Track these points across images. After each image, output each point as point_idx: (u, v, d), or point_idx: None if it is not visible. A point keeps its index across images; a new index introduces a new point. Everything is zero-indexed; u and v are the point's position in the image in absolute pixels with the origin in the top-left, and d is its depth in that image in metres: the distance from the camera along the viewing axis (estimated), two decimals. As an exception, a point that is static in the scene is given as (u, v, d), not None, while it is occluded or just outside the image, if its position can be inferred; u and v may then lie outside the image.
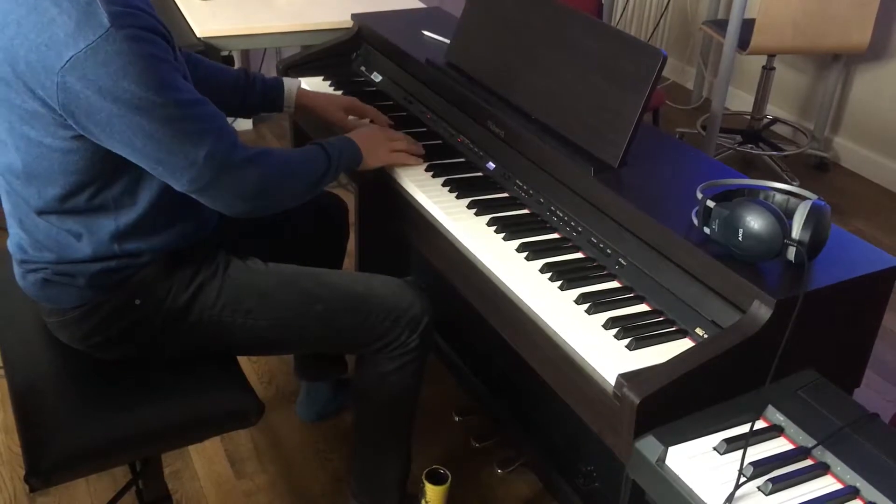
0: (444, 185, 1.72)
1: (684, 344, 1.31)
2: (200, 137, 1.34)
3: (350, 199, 2.17)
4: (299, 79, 1.99)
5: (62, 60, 1.23)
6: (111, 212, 1.41)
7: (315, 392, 2.19)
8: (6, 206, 1.47)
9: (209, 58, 2.41)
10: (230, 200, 1.43)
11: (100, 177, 1.38)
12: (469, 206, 1.65)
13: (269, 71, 3.63)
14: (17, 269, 1.51)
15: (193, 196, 1.41)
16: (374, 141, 1.75)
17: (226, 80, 1.82)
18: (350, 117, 1.94)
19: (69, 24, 1.22)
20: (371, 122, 1.99)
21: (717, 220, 1.30)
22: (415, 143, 1.82)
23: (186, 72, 1.43)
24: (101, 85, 1.24)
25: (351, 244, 2.16)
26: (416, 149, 1.81)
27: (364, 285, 1.64)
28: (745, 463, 1.08)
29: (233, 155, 1.40)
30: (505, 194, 1.71)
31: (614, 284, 1.45)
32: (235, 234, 1.69)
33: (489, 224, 1.60)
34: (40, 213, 1.41)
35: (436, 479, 1.83)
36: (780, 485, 1.06)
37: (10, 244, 1.51)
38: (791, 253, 1.26)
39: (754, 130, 3.76)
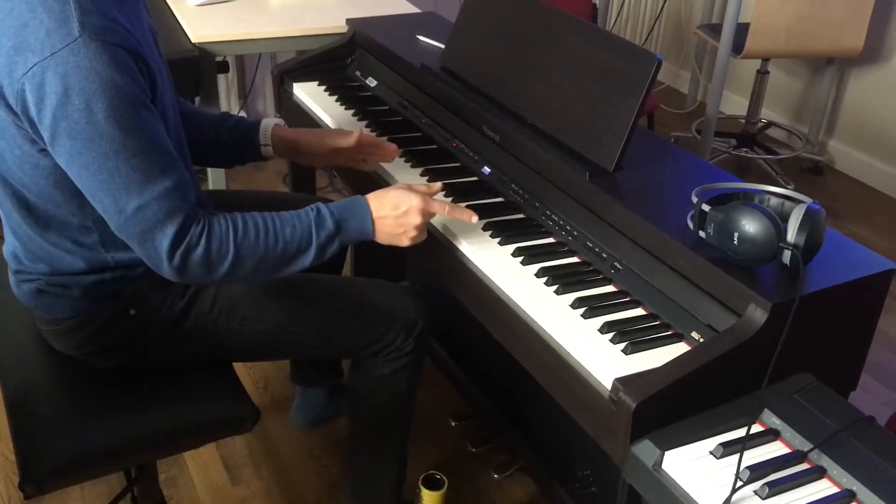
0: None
1: (680, 348, 1.31)
2: (138, 188, 1.24)
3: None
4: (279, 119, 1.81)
5: (26, 66, 1.18)
6: (93, 230, 1.39)
7: (310, 398, 2.18)
8: (2, 216, 1.46)
9: (204, 63, 2.43)
10: (157, 266, 1.32)
11: (75, 195, 1.33)
12: (464, 211, 1.65)
13: (265, 76, 3.63)
14: (11, 278, 1.50)
15: None
16: (398, 223, 1.44)
17: (202, 116, 1.72)
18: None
19: (40, 30, 1.18)
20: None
21: (712, 224, 1.30)
22: (464, 211, 1.51)
23: (170, 113, 1.36)
24: (54, 99, 1.18)
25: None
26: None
27: (359, 290, 1.64)
28: (742, 467, 1.08)
29: (169, 222, 1.27)
30: (500, 199, 1.71)
31: (610, 289, 1.45)
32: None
33: (484, 229, 1.60)
34: (26, 224, 1.39)
35: (432, 485, 1.83)
36: (776, 489, 1.06)
37: (6, 252, 1.49)
38: (786, 256, 1.26)
39: (749, 134, 3.77)
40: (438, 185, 1.56)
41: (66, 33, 1.17)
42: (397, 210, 1.44)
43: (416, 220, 1.44)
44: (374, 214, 1.43)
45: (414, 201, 1.44)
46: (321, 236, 1.39)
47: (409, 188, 1.47)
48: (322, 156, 1.75)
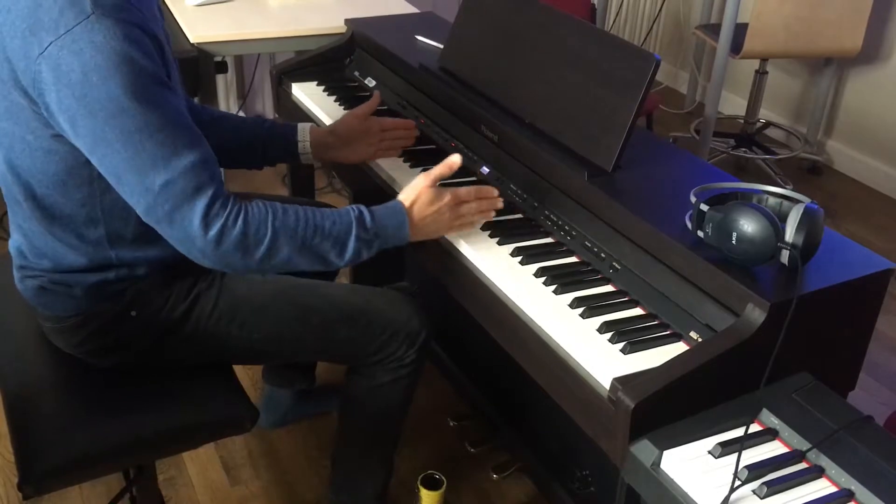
0: (438, 189, 1.72)
1: (679, 348, 1.31)
2: (164, 163, 1.23)
3: (343, 205, 2.16)
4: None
5: (42, 47, 1.19)
6: (99, 224, 1.38)
7: (276, 399, 2.16)
8: (10, 209, 1.46)
9: (203, 63, 2.43)
10: (190, 247, 1.30)
11: (85, 183, 1.33)
12: (463, 211, 1.65)
13: (263, 76, 3.63)
14: (15, 273, 1.50)
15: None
16: (434, 218, 1.49)
17: (239, 119, 1.77)
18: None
19: (54, 9, 1.19)
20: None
21: (710, 224, 1.30)
22: (488, 196, 1.55)
23: (181, 94, 1.36)
24: (72, 78, 1.18)
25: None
26: (490, 207, 1.56)
27: (362, 298, 1.63)
28: (740, 466, 1.08)
29: (197, 197, 1.26)
30: (499, 199, 1.71)
31: (608, 288, 1.45)
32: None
33: (483, 228, 1.60)
34: (33, 217, 1.39)
35: (431, 485, 1.83)
36: (774, 488, 1.06)
37: (12, 247, 1.49)
38: (785, 256, 1.26)
39: (747, 134, 3.77)
40: (456, 157, 1.53)
41: (80, 11, 1.18)
42: (432, 207, 1.48)
43: (449, 200, 1.49)
44: (415, 218, 1.47)
45: (446, 198, 1.49)
46: (360, 236, 1.41)
47: (436, 188, 1.49)
48: (357, 136, 1.80)
